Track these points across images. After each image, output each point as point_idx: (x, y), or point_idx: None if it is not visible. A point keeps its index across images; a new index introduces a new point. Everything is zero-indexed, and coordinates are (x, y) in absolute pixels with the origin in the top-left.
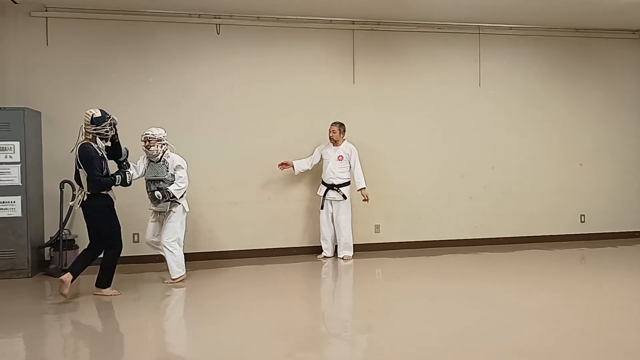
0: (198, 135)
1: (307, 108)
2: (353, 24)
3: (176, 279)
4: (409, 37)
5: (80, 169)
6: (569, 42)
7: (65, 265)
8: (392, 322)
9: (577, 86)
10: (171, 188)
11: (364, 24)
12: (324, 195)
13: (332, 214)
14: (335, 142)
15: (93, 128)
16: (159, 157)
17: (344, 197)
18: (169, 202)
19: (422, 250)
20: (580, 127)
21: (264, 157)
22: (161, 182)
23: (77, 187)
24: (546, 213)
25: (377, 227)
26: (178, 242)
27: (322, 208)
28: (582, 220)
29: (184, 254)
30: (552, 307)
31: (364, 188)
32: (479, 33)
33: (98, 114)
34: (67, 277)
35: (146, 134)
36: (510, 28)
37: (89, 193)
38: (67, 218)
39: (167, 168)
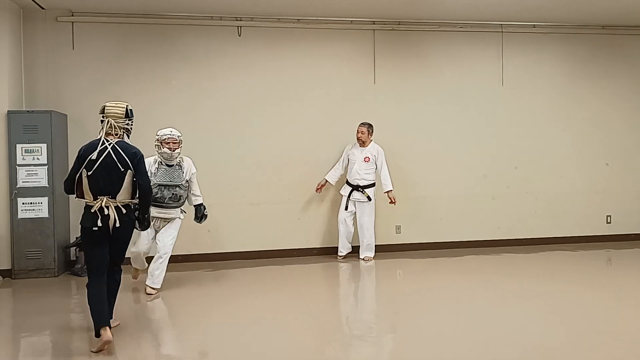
0: (219, 136)
1: (327, 109)
2: (374, 24)
3: (157, 289)
4: (430, 36)
5: (129, 172)
6: (595, 40)
7: None
8: (417, 324)
9: (604, 85)
10: (198, 201)
11: (384, 24)
12: (348, 196)
13: (354, 214)
14: (362, 143)
15: (127, 122)
16: (177, 160)
17: (369, 198)
18: (180, 209)
19: (444, 251)
20: (607, 126)
21: (284, 158)
22: (177, 188)
23: (102, 199)
24: (571, 214)
25: (398, 227)
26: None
27: (346, 209)
28: (609, 221)
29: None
30: (578, 309)
31: (391, 190)
32: (502, 32)
33: (130, 106)
34: (107, 334)
35: (172, 135)
36: (534, 26)
37: (124, 202)
38: None
39: (184, 172)
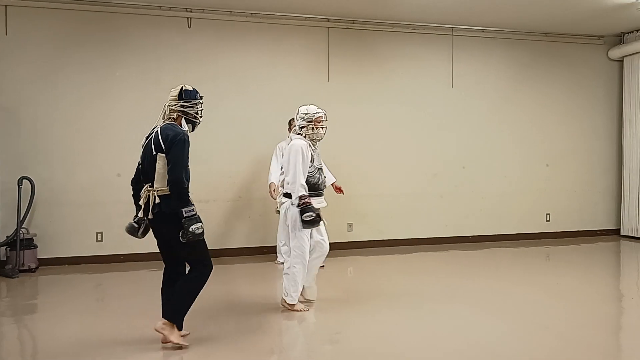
0: None
1: (280, 105)
2: (328, 21)
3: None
4: (384, 36)
5: (159, 156)
6: (538, 46)
7: (22, 265)
8: (358, 322)
9: (545, 89)
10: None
11: (339, 22)
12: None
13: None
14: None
15: (180, 104)
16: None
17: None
18: None
19: (394, 248)
20: (548, 129)
21: (234, 154)
22: (323, 171)
23: (145, 187)
24: (514, 212)
25: (350, 225)
26: None
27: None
28: (548, 219)
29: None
30: (519, 305)
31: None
32: (453, 35)
33: (189, 88)
34: (157, 324)
35: (324, 112)
36: (483, 30)
37: (162, 193)
38: (25, 216)
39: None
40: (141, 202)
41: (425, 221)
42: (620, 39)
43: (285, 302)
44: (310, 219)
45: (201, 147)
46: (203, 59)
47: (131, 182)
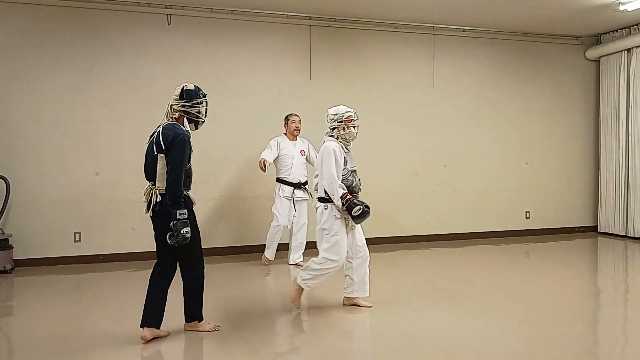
0: (146, 130)
1: (262, 103)
2: (310, 19)
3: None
4: (365, 35)
5: (159, 156)
6: (518, 46)
7: None
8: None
9: (525, 89)
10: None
11: (320, 20)
12: (292, 196)
13: (294, 215)
14: (294, 137)
15: (182, 104)
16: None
17: (311, 196)
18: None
19: (377, 246)
20: (526, 128)
21: (216, 153)
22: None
23: (148, 185)
24: (494, 210)
25: None
26: None
27: (295, 211)
28: (528, 216)
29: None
30: (498, 300)
31: None
32: (434, 34)
33: (191, 87)
34: (150, 332)
35: (352, 110)
36: (464, 30)
37: (163, 192)
38: None
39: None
40: (144, 200)
41: (408, 219)
42: (597, 39)
43: (297, 282)
44: (360, 212)
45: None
46: (183, 56)
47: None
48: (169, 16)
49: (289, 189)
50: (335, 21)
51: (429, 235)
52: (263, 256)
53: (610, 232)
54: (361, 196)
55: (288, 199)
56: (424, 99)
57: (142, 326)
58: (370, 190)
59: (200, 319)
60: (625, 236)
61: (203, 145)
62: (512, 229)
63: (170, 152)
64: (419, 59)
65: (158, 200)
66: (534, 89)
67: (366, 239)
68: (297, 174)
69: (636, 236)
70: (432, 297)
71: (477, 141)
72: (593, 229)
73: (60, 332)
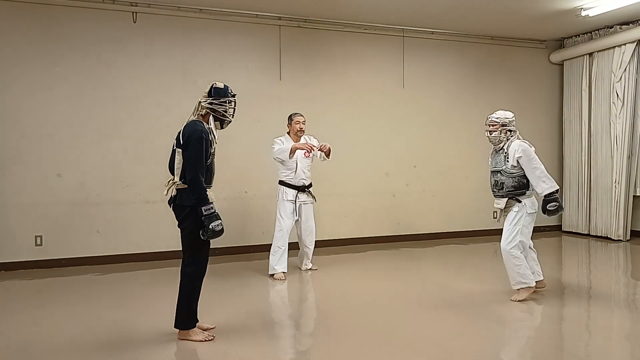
0: (112, 129)
1: None
2: (280, 19)
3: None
4: (335, 36)
5: (177, 151)
6: (486, 49)
7: None
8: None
9: (493, 91)
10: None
11: (290, 20)
12: (295, 200)
13: (296, 220)
14: (299, 138)
15: (209, 101)
16: (502, 144)
17: (314, 198)
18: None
19: (348, 247)
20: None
21: None
22: (498, 175)
23: (170, 179)
24: (463, 210)
25: None
26: (517, 247)
27: (300, 215)
28: (495, 216)
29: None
30: (467, 298)
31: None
32: (403, 36)
33: (220, 85)
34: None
35: (490, 117)
36: (433, 32)
37: (180, 186)
38: None
39: (508, 158)
40: (165, 193)
41: (378, 220)
42: (560, 43)
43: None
44: (555, 208)
45: (156, 146)
46: (149, 55)
47: None
48: (134, 14)
49: (292, 192)
50: (305, 21)
51: (399, 235)
52: (277, 274)
53: (574, 231)
54: (330, 198)
55: (292, 202)
56: (394, 100)
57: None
58: (341, 191)
59: (186, 327)
60: (588, 235)
61: (170, 145)
62: (481, 229)
63: (187, 149)
64: (389, 61)
65: (174, 194)
66: (501, 91)
67: (337, 239)
68: (300, 177)
69: (599, 234)
70: (402, 297)
71: (446, 142)
72: (558, 228)
73: (20, 339)
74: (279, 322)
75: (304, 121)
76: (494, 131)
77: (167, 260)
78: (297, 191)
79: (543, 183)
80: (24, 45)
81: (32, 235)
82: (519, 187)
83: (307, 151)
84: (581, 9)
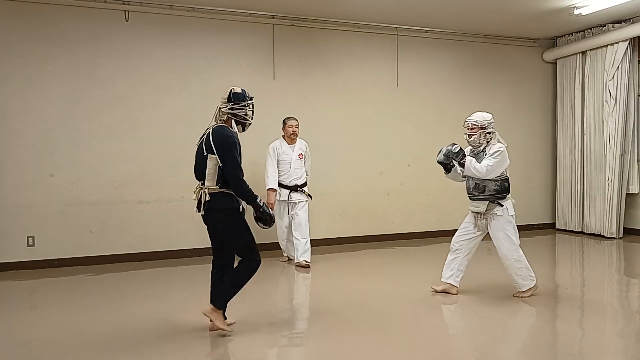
0: (104, 129)
1: None
2: (273, 18)
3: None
4: (329, 34)
5: (209, 157)
6: (479, 48)
7: None
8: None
9: (486, 89)
10: (468, 159)
11: (284, 19)
12: (288, 199)
13: (290, 216)
14: (293, 140)
15: (230, 106)
16: (482, 148)
17: (310, 197)
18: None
19: (343, 246)
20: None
21: (178, 153)
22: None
23: (197, 185)
24: (458, 208)
25: None
26: (518, 249)
27: (289, 214)
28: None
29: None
30: (460, 296)
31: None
32: (397, 35)
33: (238, 90)
34: (206, 309)
35: (468, 120)
36: (426, 31)
37: (213, 191)
38: None
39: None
40: (194, 198)
41: (373, 218)
42: (553, 42)
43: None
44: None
45: (150, 146)
46: (141, 54)
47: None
48: (126, 12)
49: (285, 192)
50: (299, 20)
51: (393, 234)
52: (282, 257)
53: (567, 228)
54: (324, 197)
55: (285, 202)
56: (388, 98)
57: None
58: (335, 190)
59: (222, 307)
60: (582, 232)
61: (163, 143)
62: None
63: (224, 155)
64: (383, 59)
65: (207, 199)
66: (494, 89)
67: (332, 238)
68: (293, 178)
69: (592, 232)
70: (396, 295)
71: (440, 140)
72: (551, 225)
73: (13, 341)
74: (272, 321)
75: (297, 125)
76: (474, 134)
77: (161, 260)
78: (289, 191)
79: (485, 166)
80: (14, 44)
81: (24, 235)
82: (501, 191)
83: (300, 153)
84: (574, 7)
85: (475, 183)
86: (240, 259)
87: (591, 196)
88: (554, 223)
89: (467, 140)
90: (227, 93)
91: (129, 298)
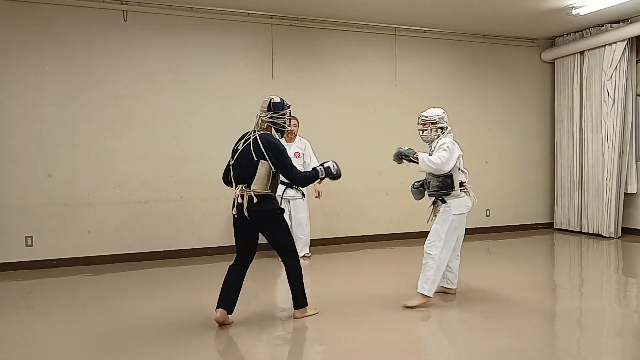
0: (102, 128)
1: (224, 102)
2: (272, 18)
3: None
4: (328, 34)
5: (260, 162)
6: (477, 48)
7: None
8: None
9: (484, 89)
10: (421, 154)
11: (282, 18)
12: (282, 195)
13: (289, 212)
14: (291, 138)
15: (269, 116)
16: (435, 143)
17: (303, 195)
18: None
19: (342, 246)
20: (486, 127)
21: (176, 152)
22: (428, 173)
23: (238, 187)
24: None
25: None
26: (437, 248)
27: (288, 210)
28: (488, 214)
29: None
30: (459, 295)
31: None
32: (395, 34)
33: (277, 100)
34: (222, 315)
35: (420, 116)
36: (425, 31)
37: (259, 193)
38: None
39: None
40: (239, 201)
41: (371, 218)
42: (552, 42)
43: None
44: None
45: (148, 146)
46: (140, 54)
47: (223, 180)
48: (124, 12)
49: (281, 187)
50: (298, 20)
51: (392, 234)
52: None
53: (565, 228)
54: (324, 196)
55: (279, 197)
56: (386, 98)
57: (217, 308)
58: (334, 190)
59: (305, 303)
60: (580, 232)
61: (161, 143)
62: (473, 227)
63: (278, 160)
64: (381, 59)
65: (255, 201)
66: (492, 89)
67: (330, 238)
68: None
69: (590, 232)
70: (394, 294)
71: None
72: (550, 225)
73: (11, 341)
74: (272, 321)
75: (295, 124)
76: (425, 130)
77: (159, 260)
78: (285, 187)
79: (437, 157)
80: (12, 44)
81: (22, 235)
82: (443, 187)
83: (297, 152)
84: (572, 7)
85: (425, 179)
86: (288, 254)
87: (589, 196)
88: (553, 223)
89: (420, 135)
90: (267, 102)
91: (127, 298)
